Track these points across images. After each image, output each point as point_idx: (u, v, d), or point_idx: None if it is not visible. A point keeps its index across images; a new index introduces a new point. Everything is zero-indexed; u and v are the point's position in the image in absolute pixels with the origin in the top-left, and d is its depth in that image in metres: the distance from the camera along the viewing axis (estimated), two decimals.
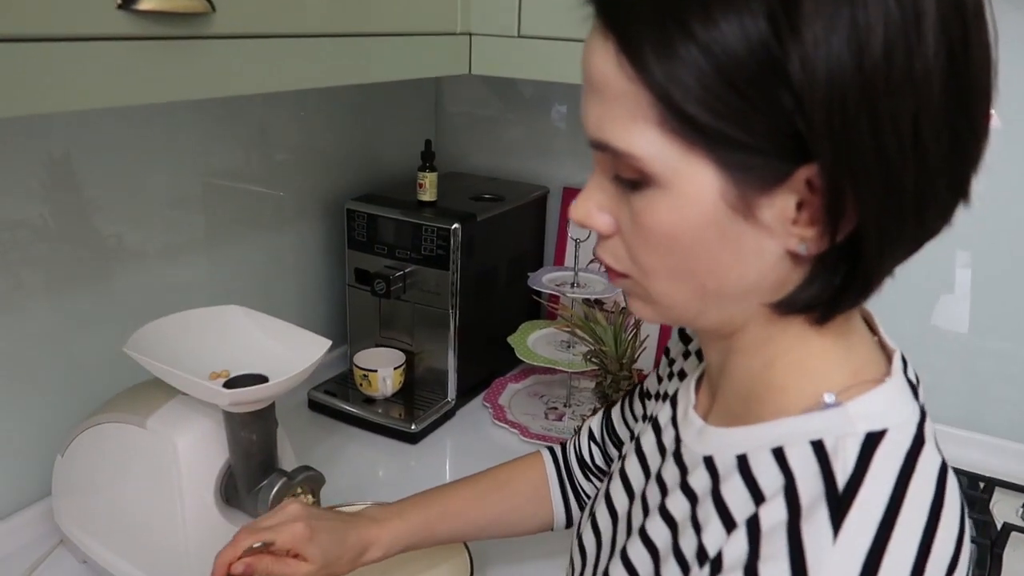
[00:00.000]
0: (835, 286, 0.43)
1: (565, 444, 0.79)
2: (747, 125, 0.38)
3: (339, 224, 1.28)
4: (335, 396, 1.25)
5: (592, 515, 0.60)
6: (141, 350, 0.74)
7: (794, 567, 0.38)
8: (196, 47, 0.63)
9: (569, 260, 1.36)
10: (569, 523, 0.79)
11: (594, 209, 0.46)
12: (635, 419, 0.71)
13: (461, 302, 1.22)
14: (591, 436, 0.77)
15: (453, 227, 1.17)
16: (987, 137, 0.41)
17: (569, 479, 0.78)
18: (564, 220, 1.44)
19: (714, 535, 0.44)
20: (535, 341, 1.28)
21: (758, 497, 0.43)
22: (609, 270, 0.48)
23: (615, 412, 0.75)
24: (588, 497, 0.78)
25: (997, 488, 1.10)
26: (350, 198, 1.26)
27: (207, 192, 1.11)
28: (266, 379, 0.76)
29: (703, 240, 0.42)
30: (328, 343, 0.79)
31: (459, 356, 1.25)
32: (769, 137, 0.38)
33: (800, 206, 0.40)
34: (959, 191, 0.42)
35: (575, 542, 0.62)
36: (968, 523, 0.44)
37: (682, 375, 0.61)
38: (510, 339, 1.27)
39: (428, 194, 1.25)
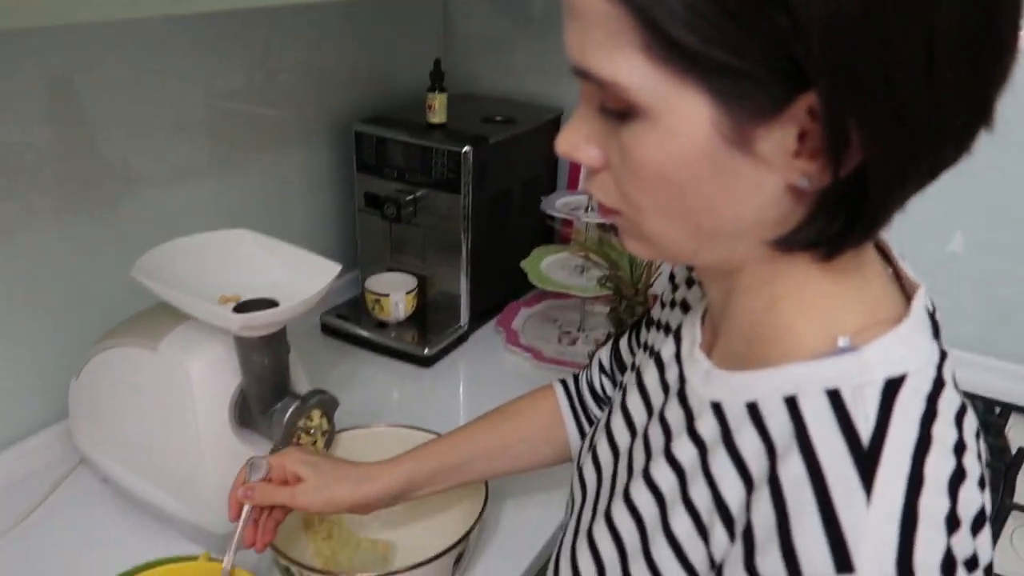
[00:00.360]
0: (841, 223, 0.40)
1: (577, 376, 0.78)
2: (739, 49, 0.35)
3: (347, 147, 1.25)
4: (347, 320, 1.25)
5: (593, 448, 0.59)
6: (149, 275, 0.73)
7: (830, 536, 0.36)
8: None
9: (583, 184, 1.33)
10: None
11: (581, 141, 0.42)
12: (639, 345, 0.70)
13: (473, 226, 1.20)
14: (601, 367, 0.76)
15: (464, 150, 1.14)
16: (1016, 56, 0.38)
17: (583, 410, 0.76)
18: None
19: (733, 489, 0.42)
20: (548, 266, 1.26)
21: (772, 451, 0.41)
22: (600, 206, 0.45)
23: (623, 342, 0.73)
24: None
25: (1013, 413, 1.10)
26: (358, 120, 1.23)
27: (212, 115, 1.08)
28: (276, 304, 0.75)
29: (696, 176, 0.39)
30: (338, 267, 0.78)
31: (472, 280, 1.24)
32: (764, 62, 0.35)
33: (802, 137, 0.37)
34: (979, 118, 0.38)
35: (576, 475, 0.61)
36: (983, 450, 0.43)
37: (685, 306, 0.58)
38: (523, 264, 1.25)
39: (438, 116, 1.21)
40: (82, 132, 0.92)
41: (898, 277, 0.47)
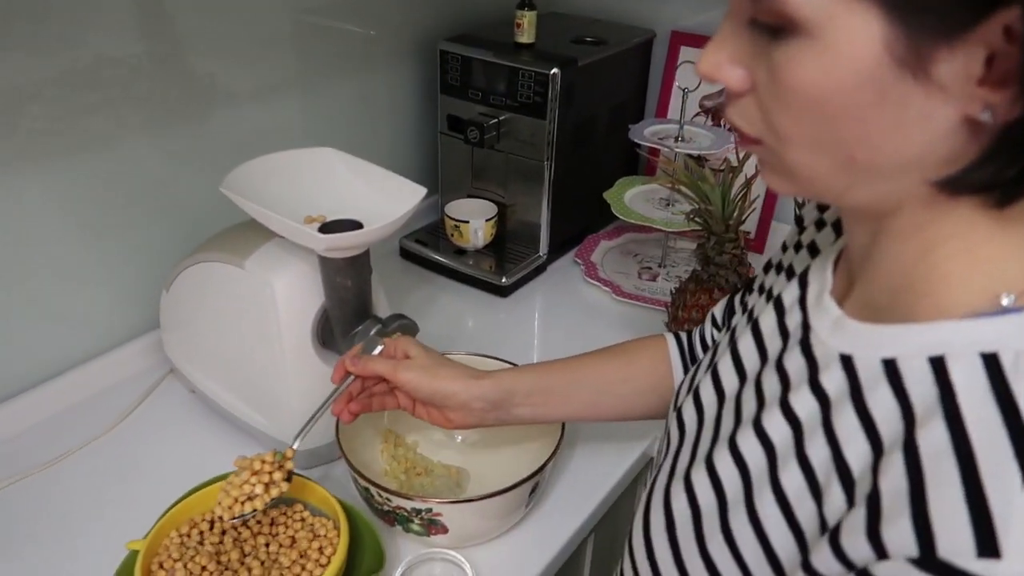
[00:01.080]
0: (1022, 165, 0.35)
1: (691, 331, 0.74)
2: None
3: (432, 66, 1.22)
4: (426, 246, 1.24)
5: (695, 390, 0.56)
6: (237, 190, 0.73)
7: (975, 517, 0.32)
8: None
9: (674, 112, 1.27)
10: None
11: (725, 61, 0.38)
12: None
13: (557, 154, 1.16)
14: (714, 322, 0.71)
15: (552, 72, 1.10)
16: None
17: (693, 363, 0.72)
18: (671, 67, 1.33)
19: (858, 451, 0.39)
20: (632, 198, 1.22)
21: (910, 414, 0.37)
22: (741, 134, 0.41)
23: (738, 298, 0.69)
24: None
25: None
26: (443, 38, 1.19)
27: (298, 31, 1.06)
28: (360, 225, 0.74)
29: (858, 102, 0.35)
30: (423, 191, 0.76)
31: (552, 210, 1.21)
32: None
33: (990, 61, 0.32)
34: None
35: (673, 416, 0.58)
36: None
37: (813, 249, 0.53)
38: (606, 194, 1.21)
39: (526, 35, 1.16)
40: (171, 47, 0.91)
41: None
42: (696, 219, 0.95)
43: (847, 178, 0.39)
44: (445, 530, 0.70)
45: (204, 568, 0.64)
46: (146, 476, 0.83)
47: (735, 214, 0.93)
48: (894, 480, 0.35)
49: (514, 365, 0.80)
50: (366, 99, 1.20)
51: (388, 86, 1.23)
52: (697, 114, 1.29)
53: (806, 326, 0.47)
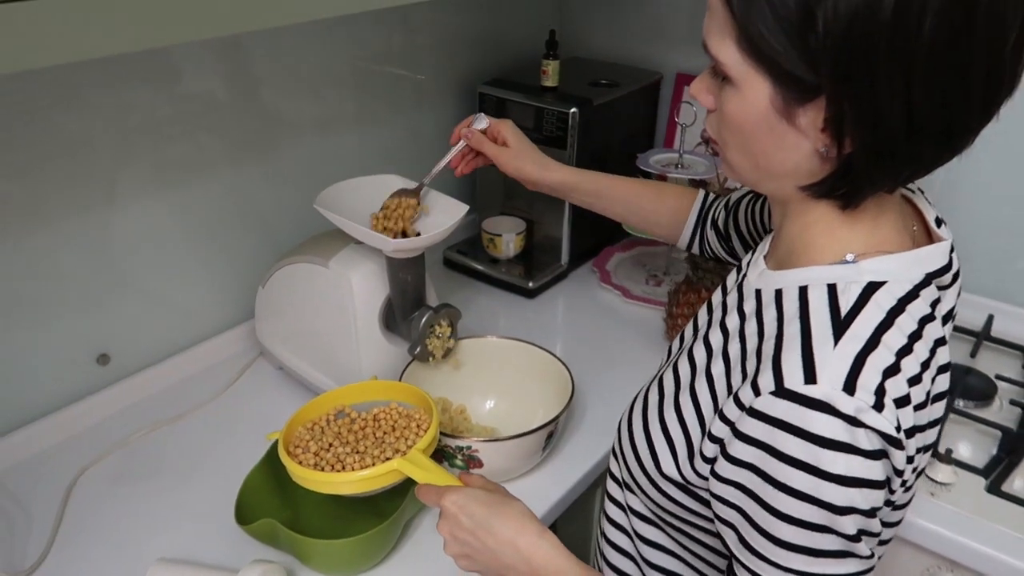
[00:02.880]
0: (846, 187, 0.57)
1: (715, 201, 0.97)
2: (788, 56, 0.52)
3: (472, 105, 1.45)
4: (466, 255, 1.47)
5: (682, 332, 0.78)
6: (324, 205, 0.96)
7: (804, 360, 0.54)
8: None
9: (676, 143, 1.48)
10: (689, 247, 1.00)
11: (703, 89, 0.62)
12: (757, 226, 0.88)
13: None
14: (726, 204, 0.94)
15: (571, 111, 1.32)
16: (988, 106, 0.53)
17: (704, 218, 0.97)
18: (675, 105, 1.55)
19: (753, 342, 0.60)
20: None
21: (782, 319, 0.58)
22: (710, 138, 0.64)
23: (744, 201, 0.90)
24: (709, 239, 0.97)
25: None
26: (481, 82, 1.43)
27: (357, 74, 1.29)
28: (419, 234, 0.97)
29: (758, 130, 0.57)
30: (467, 207, 0.99)
31: (572, 226, 1.43)
32: (801, 66, 0.52)
33: (825, 120, 0.54)
34: (952, 142, 0.54)
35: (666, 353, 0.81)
36: (941, 358, 0.59)
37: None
38: None
39: (551, 80, 1.39)
40: (246, 84, 1.14)
41: (930, 235, 0.64)
42: None
43: (757, 175, 0.61)
44: (481, 464, 0.92)
45: (331, 445, 0.83)
46: (245, 429, 1.06)
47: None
48: (768, 352, 0.57)
49: (538, 347, 1.03)
50: (416, 133, 1.44)
51: (435, 122, 1.46)
52: (698, 145, 1.50)
53: (744, 276, 0.69)
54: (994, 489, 0.99)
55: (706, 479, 0.61)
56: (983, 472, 1.01)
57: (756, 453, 0.55)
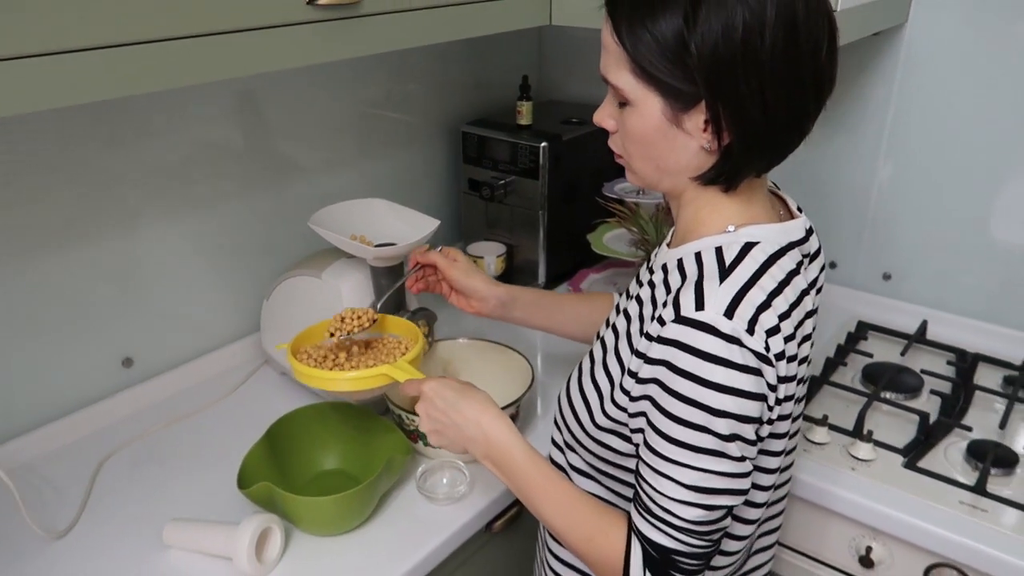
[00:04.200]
0: (727, 173, 0.73)
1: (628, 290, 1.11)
2: (672, 75, 0.68)
3: (456, 143, 1.63)
4: None
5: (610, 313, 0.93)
6: (319, 224, 1.13)
7: (696, 295, 0.69)
8: (352, 24, 0.97)
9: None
10: None
11: (606, 116, 0.78)
12: None
13: (549, 206, 1.54)
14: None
15: (542, 145, 1.49)
16: (821, 96, 0.70)
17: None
18: None
19: (662, 298, 0.75)
20: (609, 239, 1.58)
21: (684, 277, 0.73)
22: (616, 153, 0.80)
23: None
24: None
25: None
26: (465, 123, 1.60)
27: (358, 119, 1.48)
28: (393, 244, 1.13)
29: (655, 137, 0.73)
30: (437, 221, 1.15)
31: (547, 250, 1.59)
32: (682, 83, 0.68)
33: (705, 122, 0.70)
34: (801, 124, 0.72)
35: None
36: (807, 305, 0.75)
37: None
38: (589, 236, 1.58)
39: (525, 119, 1.56)
40: (261, 133, 1.32)
41: (791, 215, 0.80)
42: (640, 247, 1.31)
43: (658, 175, 0.77)
44: None
45: (330, 351, 1.01)
46: (249, 424, 1.20)
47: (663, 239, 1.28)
48: (671, 295, 0.72)
49: (506, 346, 1.18)
50: (408, 168, 1.61)
51: (424, 158, 1.64)
52: None
53: (650, 259, 0.84)
54: (910, 465, 1.11)
55: (624, 410, 0.75)
56: (902, 451, 1.14)
57: (659, 370, 0.70)
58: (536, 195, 1.54)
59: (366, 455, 1.08)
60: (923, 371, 1.30)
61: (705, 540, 0.72)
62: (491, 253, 1.58)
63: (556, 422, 0.90)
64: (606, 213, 1.72)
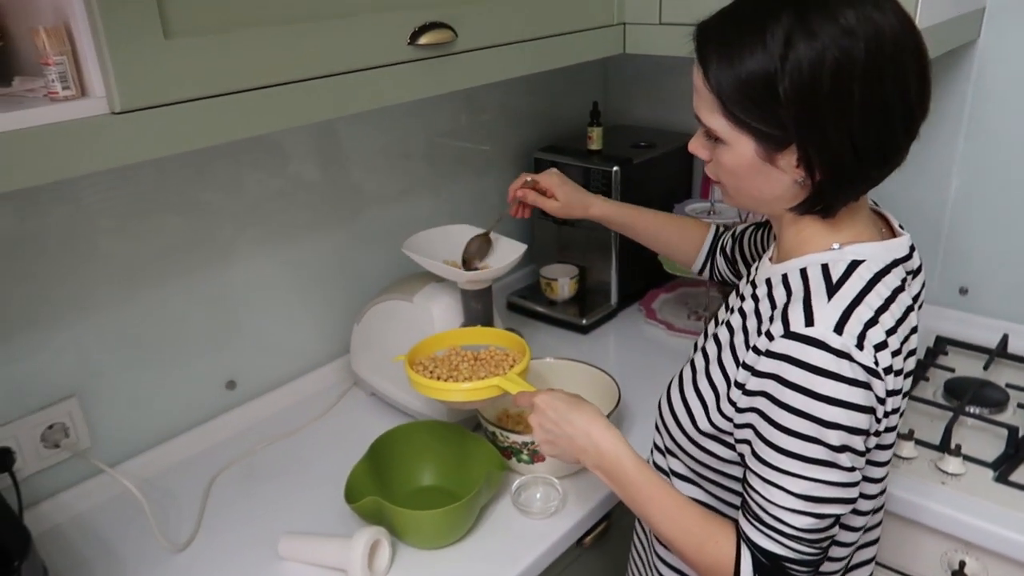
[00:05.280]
0: (821, 205, 0.76)
1: (724, 231, 1.16)
2: (761, 118, 0.72)
3: (529, 169, 1.67)
4: (526, 299, 1.67)
5: (706, 328, 0.96)
6: (412, 249, 1.19)
7: (805, 311, 0.72)
8: (448, 60, 1.03)
9: (711, 195, 1.68)
10: (700, 271, 1.19)
11: (699, 146, 0.81)
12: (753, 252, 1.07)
13: None
14: (733, 233, 1.13)
15: (614, 169, 1.53)
16: (913, 128, 0.73)
17: (714, 247, 1.16)
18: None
19: (766, 313, 0.77)
20: None
21: (790, 293, 0.76)
22: (710, 178, 0.83)
23: (748, 231, 1.09)
24: (718, 264, 1.15)
25: None
26: (537, 149, 1.66)
27: (431, 148, 1.53)
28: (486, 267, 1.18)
29: (749, 173, 0.77)
30: (525, 246, 1.20)
31: (619, 271, 1.62)
32: (773, 126, 0.72)
33: (798, 160, 0.73)
34: (892, 157, 0.74)
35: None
36: (912, 321, 0.77)
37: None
38: (660, 257, 1.61)
39: (596, 144, 1.61)
40: (340, 164, 1.38)
41: (893, 232, 0.83)
42: None
43: (753, 203, 0.81)
44: (544, 458, 1.09)
45: (441, 362, 1.09)
46: (344, 442, 1.26)
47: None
48: (778, 312, 0.75)
49: (594, 366, 1.21)
50: (482, 194, 1.67)
51: (496, 184, 1.69)
52: None
53: (755, 275, 0.87)
54: (1002, 479, 1.11)
55: (730, 420, 0.78)
56: (992, 465, 1.14)
57: (767, 383, 0.73)
58: None
59: (461, 471, 1.12)
60: (1008, 385, 1.30)
61: (815, 548, 0.74)
62: (564, 275, 1.62)
63: (657, 427, 0.94)
64: None
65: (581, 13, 1.25)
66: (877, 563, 1.18)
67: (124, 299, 1.15)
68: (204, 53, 0.78)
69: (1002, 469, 1.13)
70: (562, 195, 1.21)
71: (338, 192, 1.40)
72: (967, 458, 1.14)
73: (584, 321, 1.58)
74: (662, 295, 1.71)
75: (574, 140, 1.68)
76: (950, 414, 1.22)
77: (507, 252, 1.20)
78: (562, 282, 1.61)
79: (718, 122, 0.75)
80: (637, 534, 1.03)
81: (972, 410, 1.25)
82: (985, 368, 1.36)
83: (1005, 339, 1.43)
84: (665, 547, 0.92)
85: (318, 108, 0.90)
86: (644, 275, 1.70)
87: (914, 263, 0.83)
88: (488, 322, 1.21)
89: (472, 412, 1.20)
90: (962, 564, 1.09)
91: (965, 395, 1.27)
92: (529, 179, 1.23)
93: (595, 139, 1.61)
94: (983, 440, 1.20)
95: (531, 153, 1.67)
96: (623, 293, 1.65)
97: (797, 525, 0.73)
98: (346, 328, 1.44)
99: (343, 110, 0.93)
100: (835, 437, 0.70)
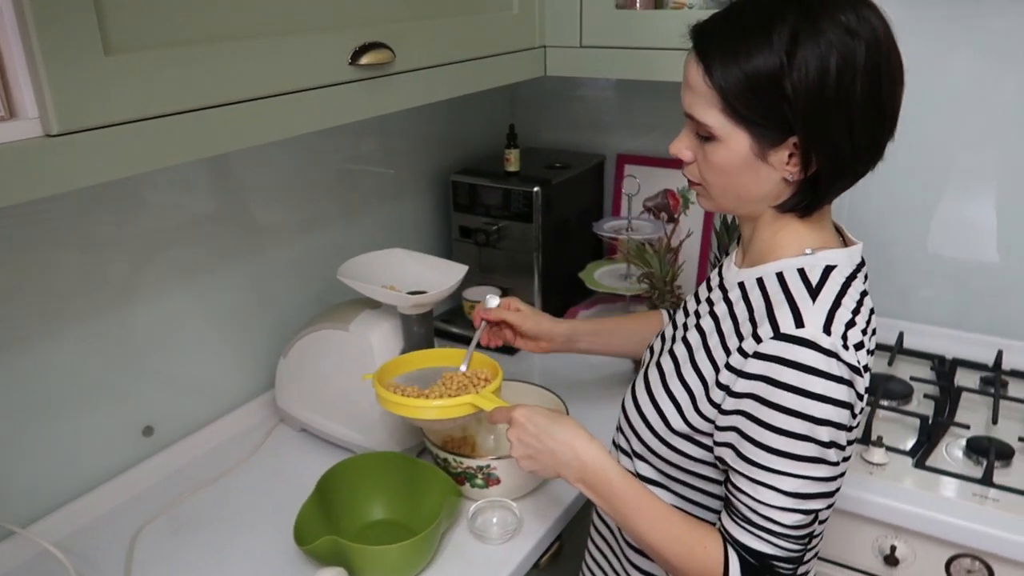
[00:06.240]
0: (807, 200, 0.80)
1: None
2: (763, 114, 0.74)
3: (445, 193, 1.67)
4: (449, 323, 1.65)
5: (662, 331, 0.97)
6: (346, 275, 1.14)
7: (794, 312, 0.75)
8: (387, 81, 1.01)
9: (623, 211, 1.73)
10: None
11: (683, 147, 0.83)
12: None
13: (542, 248, 1.60)
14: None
15: (534, 190, 1.55)
16: (893, 129, 0.78)
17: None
18: (619, 180, 1.80)
19: (743, 316, 0.80)
20: (600, 275, 1.65)
21: (768, 299, 0.79)
22: (691, 181, 0.85)
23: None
24: None
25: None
26: (454, 172, 1.65)
27: (340, 176, 1.47)
28: (425, 292, 1.16)
29: (739, 171, 0.79)
30: (466, 267, 1.18)
31: (542, 289, 1.63)
32: (774, 122, 0.74)
33: (789, 156, 0.77)
34: (877, 155, 0.79)
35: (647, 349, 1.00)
36: (873, 322, 0.82)
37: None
38: (581, 274, 1.64)
39: (513, 166, 1.62)
40: (239, 197, 1.29)
41: (845, 240, 0.87)
42: (644, 280, 1.38)
43: (737, 203, 0.83)
44: (499, 481, 1.08)
45: (408, 386, 1.06)
46: (276, 483, 1.20)
47: (670, 272, 1.35)
48: (760, 315, 0.77)
49: (531, 383, 1.21)
50: (397, 220, 1.64)
51: (413, 209, 1.67)
52: (642, 212, 1.75)
53: (722, 277, 0.89)
54: (920, 464, 1.19)
55: (710, 421, 0.80)
56: (909, 453, 1.22)
57: (756, 385, 0.75)
58: (530, 238, 1.59)
59: (412, 502, 1.09)
60: (912, 378, 1.41)
61: (799, 544, 0.77)
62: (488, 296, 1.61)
63: (622, 430, 0.94)
64: (595, 251, 1.80)
65: (506, 35, 1.26)
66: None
67: (14, 351, 1.04)
68: (147, 71, 0.72)
69: (919, 455, 1.21)
70: (527, 308, 1.17)
71: (244, 222, 1.32)
72: (889, 448, 1.22)
73: None
74: (581, 311, 1.73)
75: (489, 162, 1.69)
76: (868, 408, 1.31)
77: (448, 274, 1.18)
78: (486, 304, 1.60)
79: (715, 118, 0.76)
80: (595, 543, 1.03)
81: (884, 403, 1.34)
82: (889, 364, 1.47)
83: (901, 336, 1.54)
84: (640, 553, 0.92)
85: (267, 128, 0.86)
86: (565, 292, 1.72)
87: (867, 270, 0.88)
88: (430, 346, 1.19)
89: (419, 440, 1.17)
90: (893, 548, 1.16)
91: (877, 390, 1.36)
92: (491, 304, 1.16)
93: (512, 161, 1.62)
94: (898, 430, 1.29)
95: (447, 176, 1.66)
96: (547, 311, 1.66)
97: (786, 523, 0.75)
98: (268, 362, 1.37)
99: (289, 131, 0.89)
100: (825, 434, 0.73)
